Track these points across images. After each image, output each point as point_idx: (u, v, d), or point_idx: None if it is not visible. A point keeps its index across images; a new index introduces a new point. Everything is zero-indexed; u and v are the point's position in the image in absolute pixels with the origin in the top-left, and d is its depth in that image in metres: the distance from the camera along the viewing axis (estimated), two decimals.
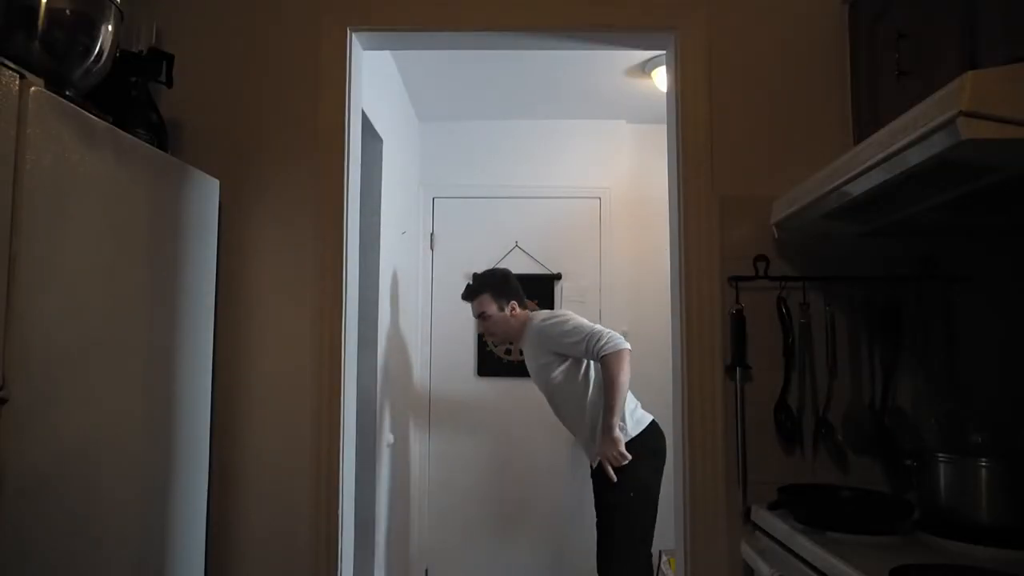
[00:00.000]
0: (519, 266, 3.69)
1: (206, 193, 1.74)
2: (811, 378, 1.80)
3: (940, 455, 1.48)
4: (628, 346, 2.49)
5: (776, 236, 1.80)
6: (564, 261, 3.72)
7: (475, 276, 2.91)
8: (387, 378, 2.81)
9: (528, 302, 2.89)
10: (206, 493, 1.73)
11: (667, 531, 2.07)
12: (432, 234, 3.75)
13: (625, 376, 2.47)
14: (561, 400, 2.67)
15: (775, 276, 1.80)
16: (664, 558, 3.25)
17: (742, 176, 1.85)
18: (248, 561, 1.79)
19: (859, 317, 1.81)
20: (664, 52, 2.01)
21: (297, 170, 1.87)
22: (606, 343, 2.46)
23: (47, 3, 1.27)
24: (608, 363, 2.45)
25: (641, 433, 2.54)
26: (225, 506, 1.80)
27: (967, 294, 1.74)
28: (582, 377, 2.60)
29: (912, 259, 1.79)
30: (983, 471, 1.42)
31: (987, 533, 1.35)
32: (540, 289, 3.70)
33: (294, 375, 1.82)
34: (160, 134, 1.70)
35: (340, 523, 1.80)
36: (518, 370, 3.62)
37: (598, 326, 2.56)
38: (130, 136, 1.46)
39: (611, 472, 2.44)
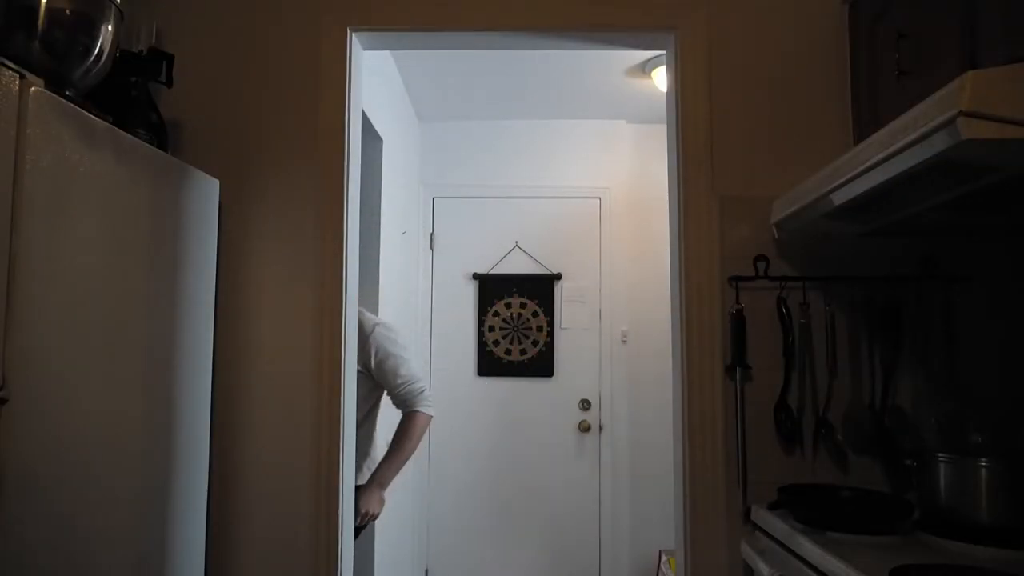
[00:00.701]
0: (519, 266, 3.71)
1: (206, 193, 1.74)
2: (811, 378, 1.80)
3: (940, 455, 1.48)
4: (434, 414, 2.29)
5: (776, 236, 1.80)
6: (564, 261, 3.72)
7: None
8: None
9: None
10: (206, 493, 1.73)
11: (667, 531, 2.07)
12: (432, 234, 3.75)
13: (418, 443, 2.28)
14: None
15: (775, 276, 1.80)
16: (664, 558, 3.25)
17: (742, 176, 1.85)
18: (248, 561, 1.79)
19: (859, 317, 1.81)
20: (664, 52, 2.01)
21: (297, 170, 1.87)
22: (426, 401, 2.25)
23: (47, 3, 1.27)
24: (416, 421, 2.24)
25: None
26: (225, 506, 1.80)
27: (967, 294, 1.74)
28: (369, 410, 2.31)
29: (912, 259, 1.79)
30: (983, 471, 1.42)
31: (987, 533, 1.35)
32: (540, 289, 3.71)
33: (294, 375, 1.82)
34: (160, 134, 1.70)
35: (340, 523, 1.80)
36: (518, 370, 3.64)
37: (420, 372, 2.33)
38: (130, 136, 1.46)
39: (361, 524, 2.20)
